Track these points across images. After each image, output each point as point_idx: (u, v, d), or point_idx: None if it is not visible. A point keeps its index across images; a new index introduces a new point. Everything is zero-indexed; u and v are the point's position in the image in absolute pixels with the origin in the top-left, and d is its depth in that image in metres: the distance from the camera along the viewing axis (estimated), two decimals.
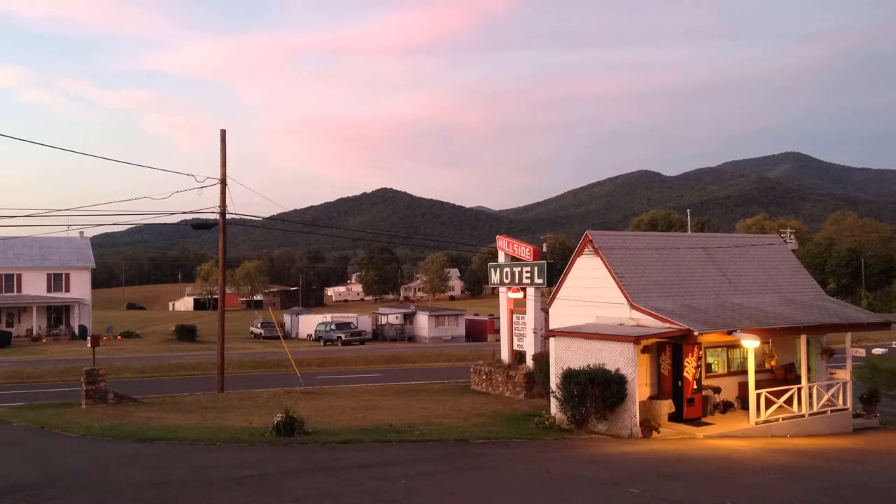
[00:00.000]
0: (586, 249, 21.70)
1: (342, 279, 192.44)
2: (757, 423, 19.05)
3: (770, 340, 21.22)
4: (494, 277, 28.70)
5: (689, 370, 19.38)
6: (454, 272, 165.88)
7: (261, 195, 30.96)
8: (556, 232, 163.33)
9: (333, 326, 61.97)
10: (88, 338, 26.87)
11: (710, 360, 21.22)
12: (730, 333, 18.79)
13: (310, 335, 66.05)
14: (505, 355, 28.80)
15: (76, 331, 59.70)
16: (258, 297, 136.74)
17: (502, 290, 28.64)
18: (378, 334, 67.29)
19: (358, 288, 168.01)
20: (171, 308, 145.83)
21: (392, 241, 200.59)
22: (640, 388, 18.70)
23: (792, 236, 27.12)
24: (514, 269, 27.38)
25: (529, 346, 26.94)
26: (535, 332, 26.59)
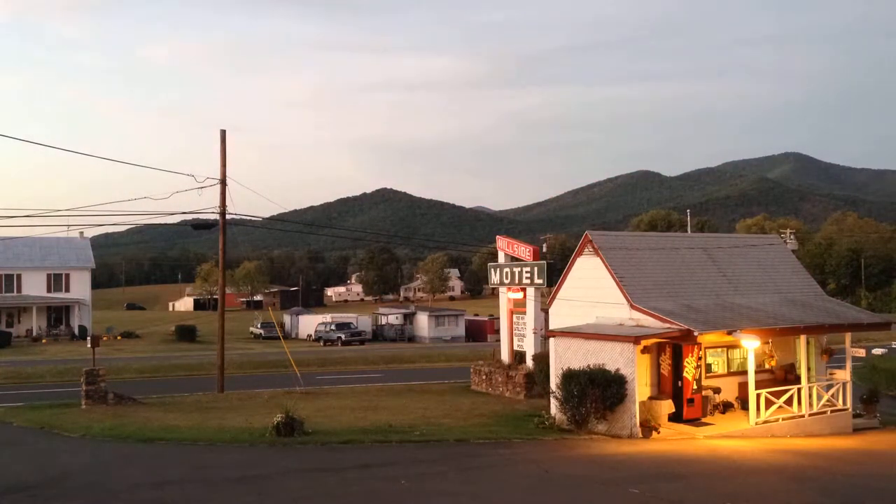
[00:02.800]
0: (586, 250, 21.70)
1: (342, 279, 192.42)
2: (757, 424, 19.04)
3: (770, 340, 21.21)
4: (494, 278, 28.71)
5: (689, 370, 19.38)
6: (454, 272, 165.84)
7: (261, 195, 30.98)
8: (556, 232, 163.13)
9: (333, 327, 61.96)
10: (88, 338, 26.85)
11: (710, 360, 21.20)
12: (730, 333, 18.79)
13: (310, 335, 66.05)
14: (505, 355, 28.79)
15: (76, 331, 59.66)
16: (258, 298, 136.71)
17: (502, 290, 28.64)
18: (378, 334, 67.28)
19: (358, 288, 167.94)
20: (170, 308, 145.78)
21: (392, 241, 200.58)
22: (639, 388, 18.69)
23: (791, 236, 27.10)
24: (514, 269, 27.37)
25: (529, 347, 26.93)
26: (535, 333, 26.58)
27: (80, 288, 61.65)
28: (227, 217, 26.84)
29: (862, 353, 24.69)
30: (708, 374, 20.93)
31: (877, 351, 40.60)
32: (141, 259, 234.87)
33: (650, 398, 19.46)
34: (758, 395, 19.05)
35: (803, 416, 20.05)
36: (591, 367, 18.73)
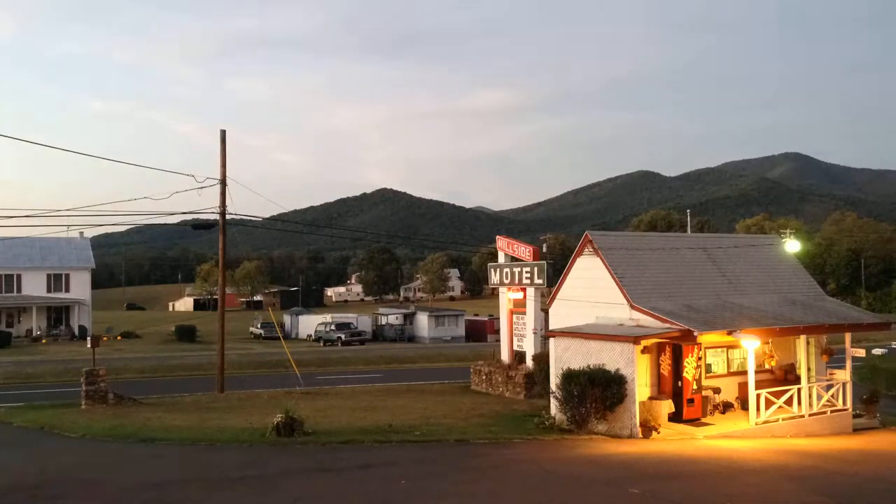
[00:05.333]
0: (586, 250, 21.70)
1: (342, 279, 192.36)
2: (757, 424, 19.04)
3: (770, 340, 21.21)
4: (494, 278, 28.71)
5: (689, 370, 19.37)
6: (454, 272, 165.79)
7: (261, 195, 30.99)
8: (556, 232, 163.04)
9: (333, 327, 61.97)
10: (88, 338, 26.87)
11: (710, 360, 21.20)
12: (730, 333, 18.79)
13: (310, 335, 66.06)
14: (505, 355, 28.79)
15: (76, 331, 59.67)
16: (258, 298, 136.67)
17: (502, 290, 28.64)
18: (378, 335, 67.27)
19: (358, 288, 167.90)
20: (170, 308, 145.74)
21: (392, 241, 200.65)
22: (639, 388, 18.70)
23: (791, 237, 27.08)
24: (514, 269, 27.38)
25: (529, 347, 26.94)
26: (535, 333, 26.59)
27: (80, 288, 61.65)
28: (227, 217, 26.84)
29: (862, 353, 24.69)
30: (708, 374, 20.92)
31: (877, 351, 40.61)
32: (141, 259, 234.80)
33: (650, 398, 19.46)
34: (758, 396, 19.05)
35: (803, 417, 20.05)
36: (591, 367, 18.72)
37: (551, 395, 20.52)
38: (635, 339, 18.38)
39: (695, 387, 19.55)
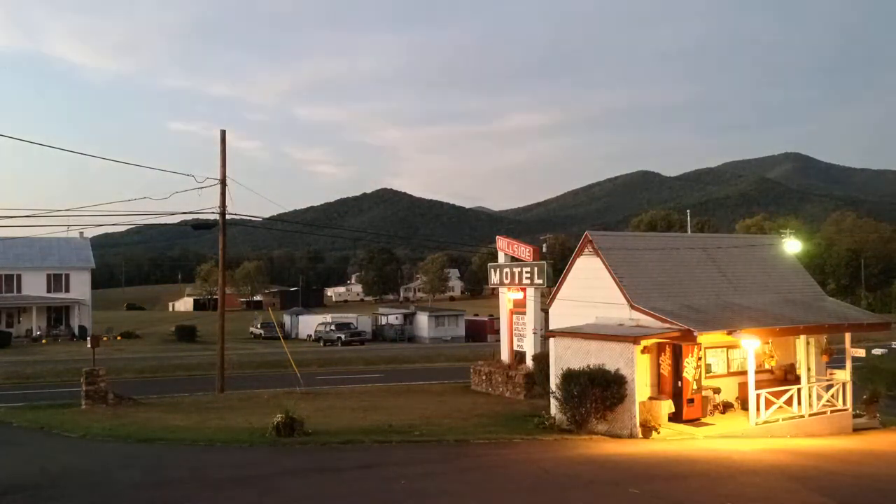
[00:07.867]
0: (586, 250, 21.70)
1: (342, 279, 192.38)
2: (757, 424, 19.05)
3: (770, 340, 21.21)
4: (494, 278, 28.71)
5: (689, 370, 19.37)
6: (454, 272, 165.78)
7: (261, 195, 31.00)
8: (556, 232, 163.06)
9: (333, 327, 61.98)
10: (88, 338, 26.90)
11: (710, 360, 21.20)
12: (730, 333, 18.79)
13: (310, 335, 66.06)
14: (505, 355, 28.80)
15: (76, 331, 59.69)
16: (258, 298, 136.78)
17: (502, 290, 28.64)
18: (378, 335, 67.30)
19: (358, 288, 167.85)
20: (170, 308, 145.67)
21: (392, 241, 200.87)
22: (639, 388, 18.70)
23: (791, 237, 27.07)
24: (514, 269, 27.38)
25: (529, 347, 26.94)
26: (535, 333, 26.59)
27: (80, 288, 61.67)
28: (227, 217, 26.85)
29: (862, 353, 24.66)
30: (708, 374, 20.93)
31: (877, 351, 40.62)
32: (141, 259, 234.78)
33: (650, 398, 19.46)
34: (758, 396, 19.05)
35: (803, 417, 20.06)
36: (591, 367, 18.73)
37: (551, 395, 20.52)
38: (635, 340, 18.39)
39: (695, 387, 19.55)
